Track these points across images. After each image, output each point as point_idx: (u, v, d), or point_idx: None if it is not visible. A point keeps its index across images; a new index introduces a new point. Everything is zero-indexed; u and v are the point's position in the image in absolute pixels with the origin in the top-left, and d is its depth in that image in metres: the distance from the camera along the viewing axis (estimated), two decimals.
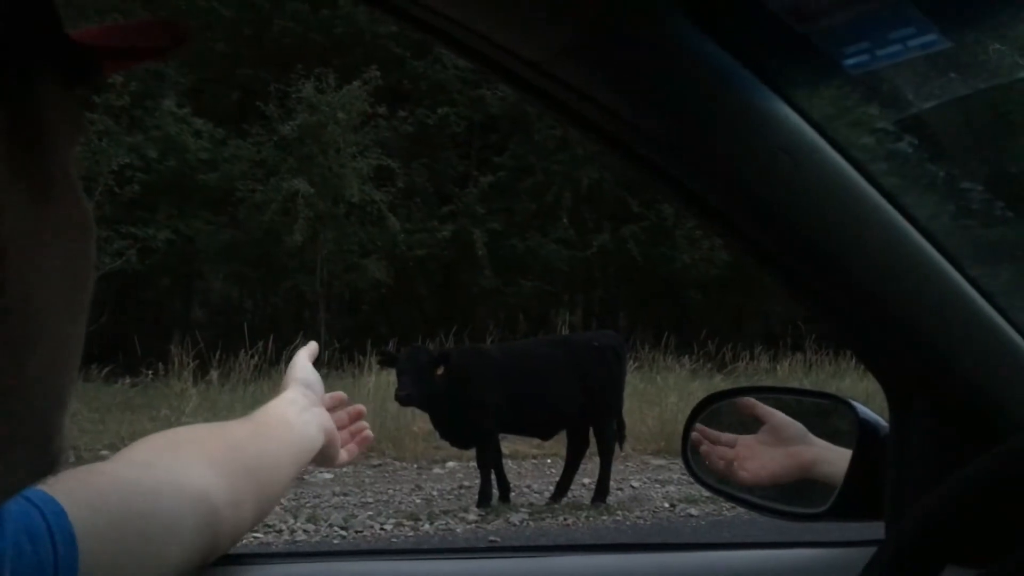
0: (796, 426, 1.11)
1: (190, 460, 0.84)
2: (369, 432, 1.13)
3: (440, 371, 6.58)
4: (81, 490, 0.69)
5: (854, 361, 11.56)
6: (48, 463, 0.40)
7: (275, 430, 0.97)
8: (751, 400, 1.15)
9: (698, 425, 1.16)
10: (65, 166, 0.38)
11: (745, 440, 1.13)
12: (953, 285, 0.81)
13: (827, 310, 0.87)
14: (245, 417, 1.00)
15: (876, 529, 0.94)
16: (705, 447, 1.15)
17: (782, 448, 1.10)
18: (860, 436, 0.96)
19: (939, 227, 0.76)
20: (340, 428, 1.09)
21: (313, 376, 1.08)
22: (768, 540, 1.09)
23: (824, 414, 1.13)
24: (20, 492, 0.41)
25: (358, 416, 1.13)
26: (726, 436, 1.14)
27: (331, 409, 1.09)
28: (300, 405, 1.02)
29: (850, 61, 0.66)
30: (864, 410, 0.98)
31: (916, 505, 0.63)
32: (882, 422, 0.96)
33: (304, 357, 1.10)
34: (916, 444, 0.89)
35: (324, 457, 1.04)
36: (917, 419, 0.89)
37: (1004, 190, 0.90)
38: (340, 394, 1.12)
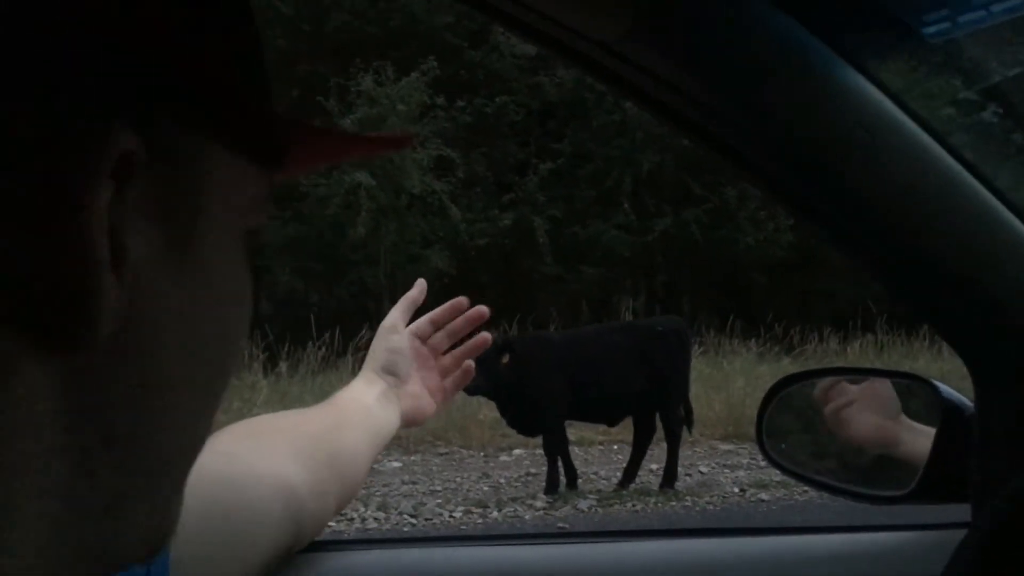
0: (893, 400, 1.09)
1: (273, 450, 0.83)
2: (471, 364, 1.12)
3: (505, 359, 6.60)
4: None
5: (927, 341, 11.25)
6: (157, 538, 0.37)
7: (354, 417, 0.96)
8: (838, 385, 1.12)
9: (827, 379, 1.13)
10: (219, 233, 0.37)
11: (858, 390, 1.11)
12: None
13: (909, 289, 0.85)
14: (323, 403, 0.99)
15: (958, 512, 0.92)
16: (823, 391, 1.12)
17: (876, 417, 1.08)
18: (943, 416, 0.94)
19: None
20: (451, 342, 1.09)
21: (401, 345, 1.07)
22: (843, 524, 1.07)
23: (903, 395, 1.10)
24: (133, 564, 0.37)
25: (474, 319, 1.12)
26: (844, 387, 1.12)
27: (433, 327, 1.10)
28: (378, 388, 1.01)
29: (930, 29, 0.64)
30: (947, 390, 0.95)
31: (1010, 485, 0.61)
32: (966, 402, 0.93)
33: (396, 314, 1.10)
34: (1002, 424, 0.87)
35: (412, 420, 1.03)
36: (1003, 399, 0.87)
37: None
38: (460, 301, 1.12)
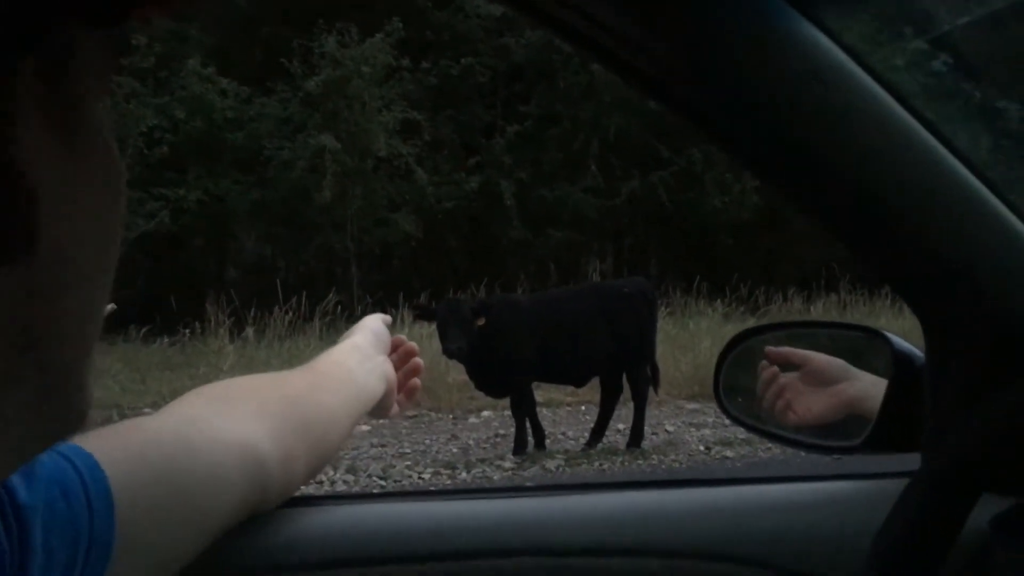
0: (836, 364, 1.09)
1: (239, 413, 0.82)
2: (417, 381, 1.11)
3: (481, 322, 6.62)
4: (119, 444, 0.67)
5: (889, 300, 11.44)
6: (78, 414, 0.40)
7: (335, 381, 0.95)
8: (784, 350, 1.13)
9: (764, 376, 1.14)
10: (95, 115, 0.37)
11: (792, 380, 1.12)
12: (992, 211, 0.79)
13: (862, 242, 0.86)
14: (305, 365, 0.98)
15: (913, 461, 0.93)
16: (767, 375, 1.13)
17: (826, 388, 1.08)
18: (895, 368, 0.95)
19: (975, 149, 0.74)
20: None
21: (383, 331, 1.07)
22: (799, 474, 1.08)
23: (859, 348, 1.12)
24: (54, 445, 0.40)
25: (410, 355, 1.11)
26: (780, 377, 1.13)
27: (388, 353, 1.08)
28: (363, 352, 1.00)
29: None
30: (899, 341, 0.96)
31: (950, 434, 0.62)
32: (918, 353, 0.94)
33: (377, 316, 1.09)
34: (953, 375, 0.88)
35: (379, 408, 1.02)
36: (954, 349, 0.88)
37: None
38: (400, 337, 1.11)
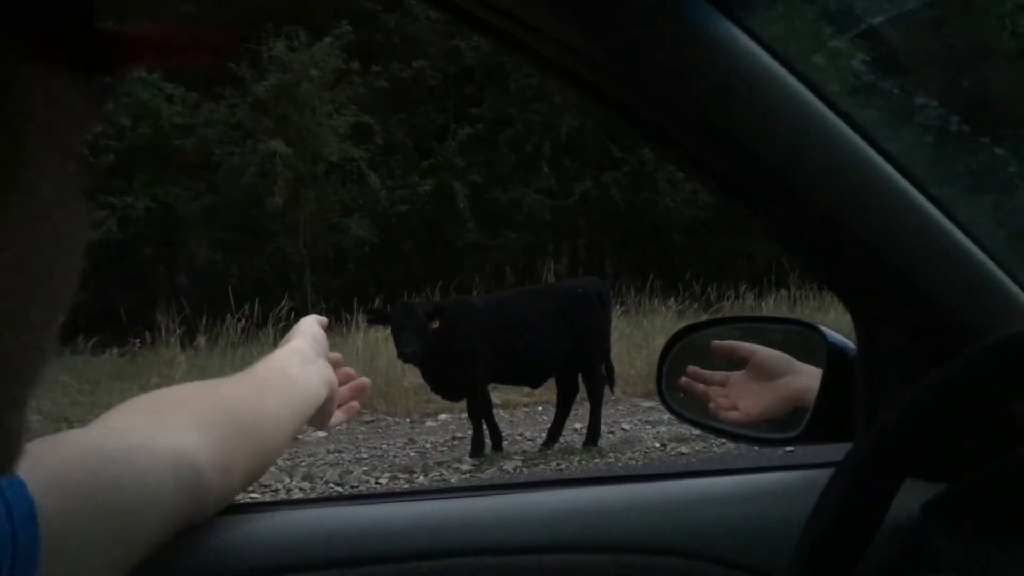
0: (779, 357, 1.11)
1: (173, 422, 0.81)
2: (356, 404, 1.11)
3: (436, 325, 6.60)
4: (43, 460, 0.66)
5: (834, 294, 11.62)
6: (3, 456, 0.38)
7: (274, 385, 0.94)
8: (730, 343, 1.15)
9: (690, 368, 1.15)
10: (48, 160, 0.36)
11: (735, 378, 1.13)
12: (914, 204, 0.81)
13: (792, 239, 0.88)
14: (244, 371, 0.97)
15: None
16: (701, 388, 1.14)
17: (770, 382, 1.10)
18: (829, 359, 0.97)
19: (897, 145, 0.76)
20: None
21: (320, 333, 1.06)
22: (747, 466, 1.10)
23: (799, 341, 1.14)
24: None
25: (348, 379, 1.10)
26: (719, 375, 1.14)
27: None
28: (304, 356, 0.99)
29: None
30: (832, 334, 0.99)
31: (875, 423, 0.64)
32: (851, 345, 0.96)
33: (313, 318, 1.08)
34: (883, 365, 0.91)
35: (320, 415, 1.01)
36: (883, 340, 0.90)
37: (959, 103, 0.89)
38: (336, 355, 1.09)
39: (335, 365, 1.08)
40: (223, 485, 0.83)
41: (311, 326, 1.05)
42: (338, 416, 1.07)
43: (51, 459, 0.67)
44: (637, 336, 10.71)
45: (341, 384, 1.08)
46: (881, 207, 0.80)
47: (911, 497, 0.80)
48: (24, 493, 0.60)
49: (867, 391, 0.91)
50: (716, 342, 1.16)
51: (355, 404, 1.11)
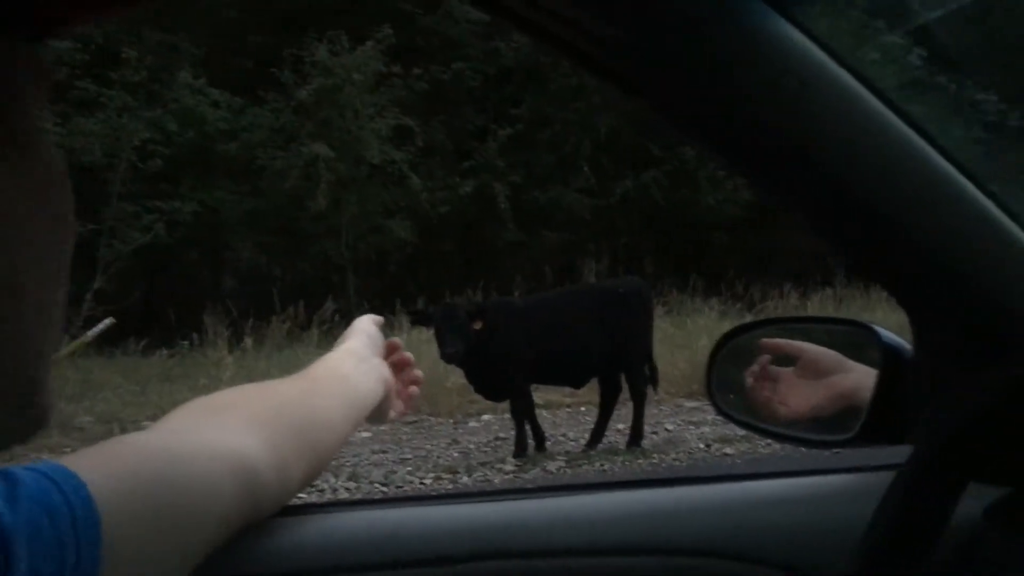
0: (830, 355, 1.09)
1: (230, 424, 0.82)
2: (416, 388, 1.11)
3: (478, 326, 6.62)
4: (104, 462, 0.67)
5: (886, 293, 11.43)
6: (35, 419, 0.40)
7: (329, 385, 0.95)
8: (778, 341, 1.14)
9: (754, 368, 1.14)
10: (31, 123, 0.37)
11: (785, 374, 1.12)
12: (971, 200, 0.79)
13: (846, 238, 0.86)
14: (299, 373, 0.97)
15: (904, 453, 0.94)
16: (750, 381, 1.13)
17: (820, 380, 1.08)
18: (884, 360, 0.95)
19: (954, 141, 0.74)
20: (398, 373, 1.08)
21: (376, 332, 1.07)
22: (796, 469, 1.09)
23: (851, 341, 1.12)
24: (10, 447, 0.41)
25: (406, 364, 1.11)
26: (771, 370, 1.13)
27: (386, 357, 1.08)
28: (359, 356, 1.00)
29: None
30: (887, 334, 0.97)
31: (936, 424, 0.63)
32: (906, 346, 0.95)
33: (369, 317, 1.09)
34: (939, 365, 0.89)
35: (378, 411, 1.02)
36: (940, 340, 0.89)
37: (1018, 99, 0.87)
38: (396, 340, 1.11)
39: (393, 350, 1.09)
40: (280, 486, 0.84)
41: (367, 325, 1.06)
42: (398, 407, 1.08)
43: (112, 461, 0.68)
44: (679, 336, 10.63)
45: (400, 368, 1.09)
46: (938, 204, 0.79)
47: (973, 500, 0.78)
48: (86, 495, 0.61)
49: (924, 393, 0.90)
50: (765, 340, 1.15)
51: (414, 390, 1.11)
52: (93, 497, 0.61)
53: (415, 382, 1.12)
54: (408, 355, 1.12)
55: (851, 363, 1.08)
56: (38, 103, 0.39)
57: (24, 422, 0.40)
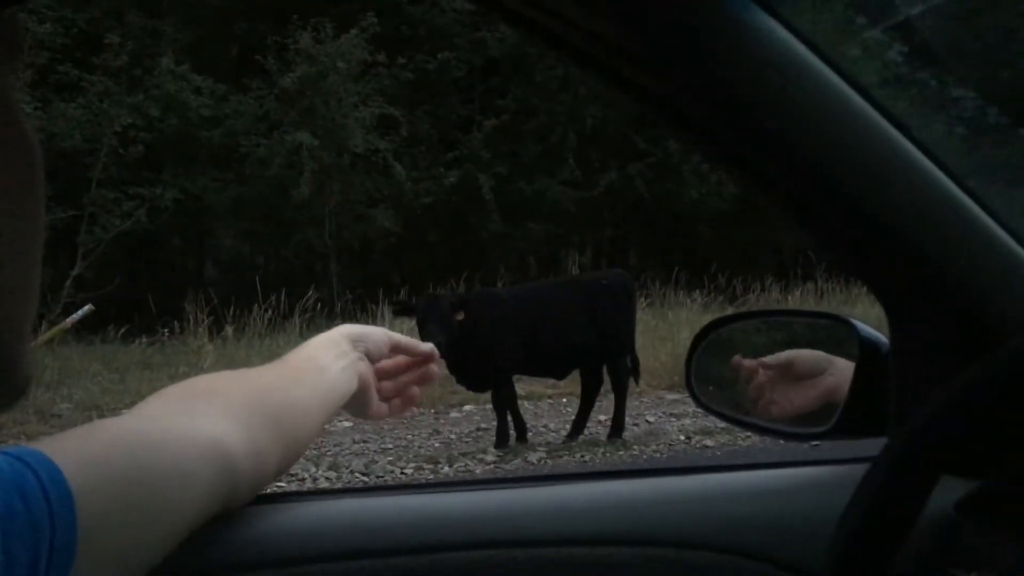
0: (813, 357, 1.10)
1: (206, 410, 0.82)
2: (416, 390, 1.10)
3: (460, 316, 6.61)
4: (79, 447, 0.67)
5: (865, 287, 11.52)
6: (12, 391, 0.40)
7: (305, 374, 0.95)
8: (759, 361, 1.13)
9: (744, 361, 1.14)
10: (3, 92, 0.37)
11: (772, 376, 1.12)
12: (949, 196, 0.80)
13: (822, 228, 0.87)
14: (276, 361, 0.97)
15: (880, 446, 0.94)
16: (761, 377, 1.12)
17: (804, 382, 1.09)
18: (861, 353, 0.96)
19: (932, 136, 0.75)
20: (398, 372, 1.08)
21: (383, 338, 1.05)
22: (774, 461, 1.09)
23: (830, 335, 1.12)
24: None
25: (424, 363, 1.10)
26: (764, 374, 1.12)
27: (398, 359, 1.07)
28: (338, 349, 0.99)
29: None
30: (864, 327, 0.98)
31: (910, 418, 0.63)
32: (883, 339, 0.95)
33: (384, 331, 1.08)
34: (916, 360, 0.90)
35: (357, 405, 1.02)
36: (917, 335, 0.89)
37: (997, 96, 0.88)
38: (427, 346, 1.10)
39: (404, 349, 1.08)
40: (256, 473, 0.84)
41: (368, 327, 1.05)
42: (382, 410, 1.07)
43: (88, 446, 0.68)
44: (662, 328, 10.68)
45: (405, 369, 1.08)
46: (916, 199, 0.79)
47: (945, 493, 0.79)
48: (61, 479, 0.61)
49: (900, 386, 0.90)
50: (748, 361, 1.14)
51: (415, 391, 1.10)
52: (68, 481, 0.61)
53: (426, 378, 1.11)
54: (427, 346, 1.10)
55: (837, 361, 1.09)
56: (8, 71, 0.38)
57: (3, 393, 0.40)
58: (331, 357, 0.98)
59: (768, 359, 1.12)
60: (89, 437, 0.71)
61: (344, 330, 1.04)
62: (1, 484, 0.57)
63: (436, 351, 1.12)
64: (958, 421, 0.62)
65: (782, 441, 1.08)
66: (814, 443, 1.14)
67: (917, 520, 0.64)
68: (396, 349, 1.08)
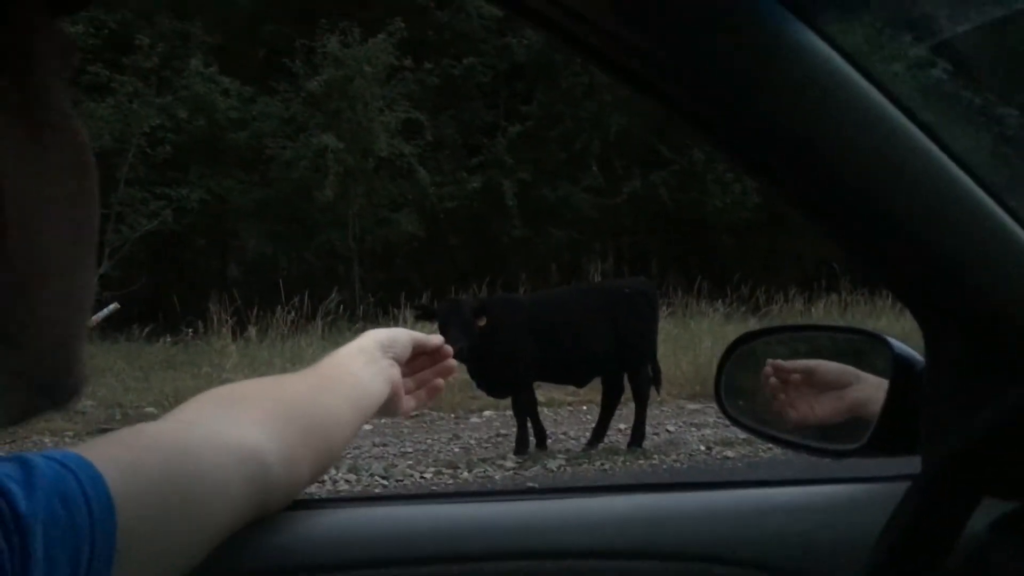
0: (841, 369, 1.09)
1: (241, 417, 0.83)
2: (441, 381, 1.12)
3: (482, 322, 6.61)
4: (119, 452, 0.68)
5: (890, 300, 11.42)
6: (66, 393, 0.41)
7: (338, 383, 0.96)
8: (792, 363, 1.13)
9: (770, 361, 1.14)
10: (59, 100, 0.38)
11: (795, 380, 1.11)
12: (991, 216, 0.79)
13: (860, 245, 0.86)
14: (309, 368, 0.98)
15: (913, 464, 0.93)
16: (774, 381, 1.12)
17: (830, 392, 1.08)
18: (895, 371, 0.95)
19: (975, 155, 0.74)
20: (420, 371, 1.09)
21: (406, 340, 1.07)
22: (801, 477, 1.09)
23: (860, 350, 1.12)
24: (40, 415, 0.42)
25: (443, 359, 1.12)
26: (784, 376, 1.12)
27: (418, 354, 1.09)
28: (369, 355, 1.00)
29: None
30: (899, 344, 0.97)
31: (951, 437, 0.62)
32: (917, 357, 0.95)
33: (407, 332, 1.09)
34: (951, 377, 0.89)
35: (387, 408, 1.03)
36: (952, 351, 0.88)
37: None
38: (439, 342, 1.11)
39: (426, 348, 1.09)
40: (289, 480, 0.85)
41: (396, 332, 1.06)
42: (420, 396, 1.09)
43: (128, 452, 0.69)
44: (683, 338, 10.62)
45: (432, 359, 1.10)
46: (956, 217, 0.78)
47: (979, 514, 0.78)
48: (102, 485, 0.62)
49: (934, 404, 0.90)
50: (779, 362, 1.14)
51: (439, 382, 1.12)
52: (109, 487, 0.62)
53: (446, 372, 1.12)
54: (448, 348, 1.12)
55: (864, 375, 1.08)
56: (62, 79, 0.39)
57: (56, 395, 0.41)
58: (362, 364, 0.99)
59: (786, 363, 1.12)
60: (129, 442, 0.71)
61: (374, 336, 1.05)
62: (43, 489, 0.57)
63: (448, 347, 1.13)
64: (997, 442, 0.61)
65: (813, 457, 1.07)
66: (839, 459, 1.13)
67: (956, 541, 0.64)
68: (418, 347, 1.09)
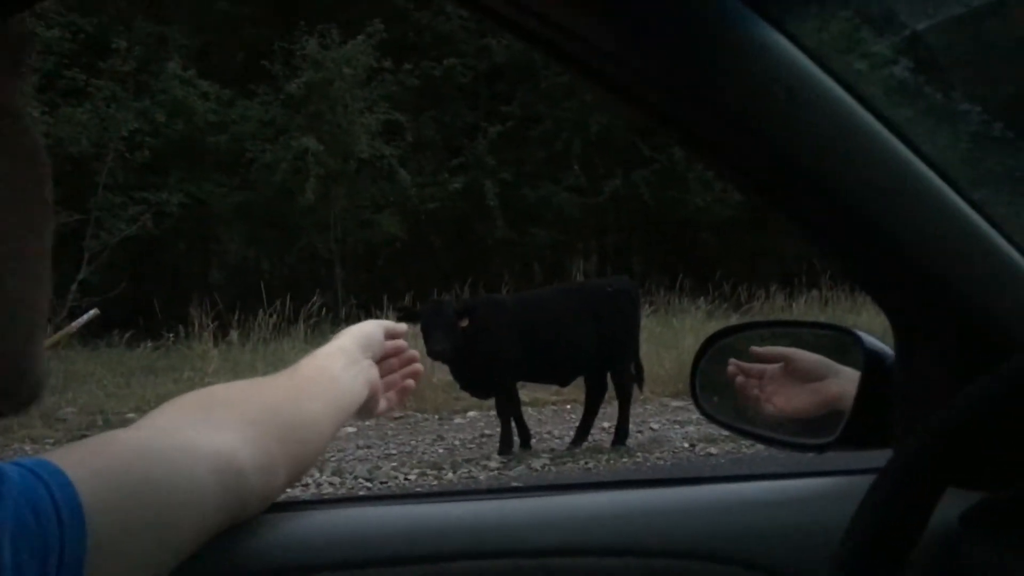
0: (820, 361, 1.10)
1: (216, 422, 0.82)
2: (412, 382, 1.12)
3: (465, 323, 6.61)
4: (90, 460, 0.67)
5: (871, 299, 11.48)
6: (26, 396, 0.41)
7: (317, 386, 0.95)
8: (768, 348, 1.14)
9: (733, 361, 1.15)
10: (8, 102, 0.37)
11: (771, 372, 1.12)
12: (955, 209, 0.80)
13: (829, 241, 0.87)
14: (288, 370, 0.97)
15: (886, 457, 0.94)
16: (740, 380, 1.13)
17: (807, 384, 1.09)
18: (866, 365, 0.96)
19: (938, 150, 0.75)
20: (390, 372, 1.09)
21: (378, 334, 1.07)
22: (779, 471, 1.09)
23: (836, 346, 1.13)
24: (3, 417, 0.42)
25: (410, 362, 1.12)
26: (756, 368, 1.13)
27: (389, 355, 1.09)
28: (349, 356, 1.00)
29: None
30: (870, 339, 0.98)
31: (916, 429, 0.63)
32: (888, 351, 0.96)
33: (379, 323, 1.09)
34: (921, 370, 0.90)
35: (364, 409, 1.03)
36: (922, 347, 0.90)
37: (1003, 111, 0.88)
38: (402, 345, 1.11)
39: (396, 336, 1.09)
40: (265, 485, 0.84)
41: (370, 326, 1.06)
42: (391, 399, 1.09)
43: (99, 458, 0.68)
44: (666, 336, 10.66)
45: (397, 367, 1.10)
46: (922, 212, 0.79)
47: (949, 506, 0.79)
48: (72, 492, 0.61)
49: (905, 398, 0.91)
50: (755, 348, 1.15)
51: (410, 383, 1.12)
52: (79, 494, 0.61)
53: (414, 375, 1.12)
54: (414, 352, 1.12)
55: (840, 368, 1.09)
56: (12, 75, 0.39)
57: (17, 394, 0.41)
58: (343, 366, 0.99)
59: (762, 350, 1.13)
60: (101, 450, 0.71)
61: (353, 335, 1.04)
62: (12, 497, 0.57)
63: (413, 351, 1.14)
64: (964, 434, 0.62)
65: (788, 452, 1.08)
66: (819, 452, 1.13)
67: (923, 532, 0.64)
68: (389, 334, 1.09)
